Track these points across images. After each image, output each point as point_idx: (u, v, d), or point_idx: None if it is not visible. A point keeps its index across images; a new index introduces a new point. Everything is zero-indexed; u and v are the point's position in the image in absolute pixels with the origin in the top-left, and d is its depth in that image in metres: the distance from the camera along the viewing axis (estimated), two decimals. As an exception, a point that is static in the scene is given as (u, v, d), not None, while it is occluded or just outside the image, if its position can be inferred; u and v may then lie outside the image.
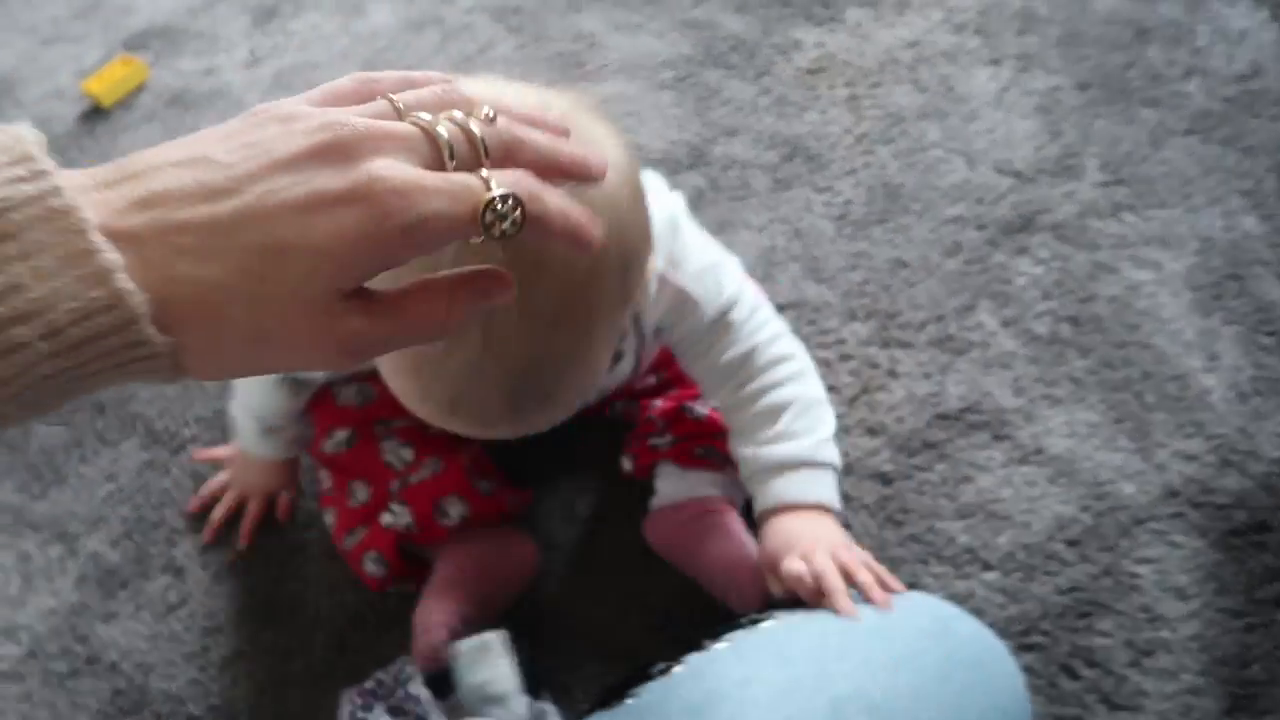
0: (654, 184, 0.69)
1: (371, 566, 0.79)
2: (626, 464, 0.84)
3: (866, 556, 0.67)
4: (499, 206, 0.34)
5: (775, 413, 0.71)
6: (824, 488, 0.71)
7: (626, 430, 0.85)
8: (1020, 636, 0.80)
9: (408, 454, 0.80)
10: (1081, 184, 1.08)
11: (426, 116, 0.35)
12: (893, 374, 0.95)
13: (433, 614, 0.76)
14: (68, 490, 0.93)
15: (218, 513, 0.88)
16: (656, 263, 0.63)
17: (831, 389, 0.94)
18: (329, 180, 0.33)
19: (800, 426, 0.71)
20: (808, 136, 1.16)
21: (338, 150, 0.33)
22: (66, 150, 1.20)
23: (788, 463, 0.70)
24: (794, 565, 0.64)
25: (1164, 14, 1.21)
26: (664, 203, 0.68)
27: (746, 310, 0.72)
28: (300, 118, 0.34)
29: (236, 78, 1.30)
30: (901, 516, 0.86)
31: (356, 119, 0.34)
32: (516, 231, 0.34)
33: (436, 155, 0.35)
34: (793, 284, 1.02)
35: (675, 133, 1.16)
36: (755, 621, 0.61)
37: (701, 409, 0.80)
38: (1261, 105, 1.12)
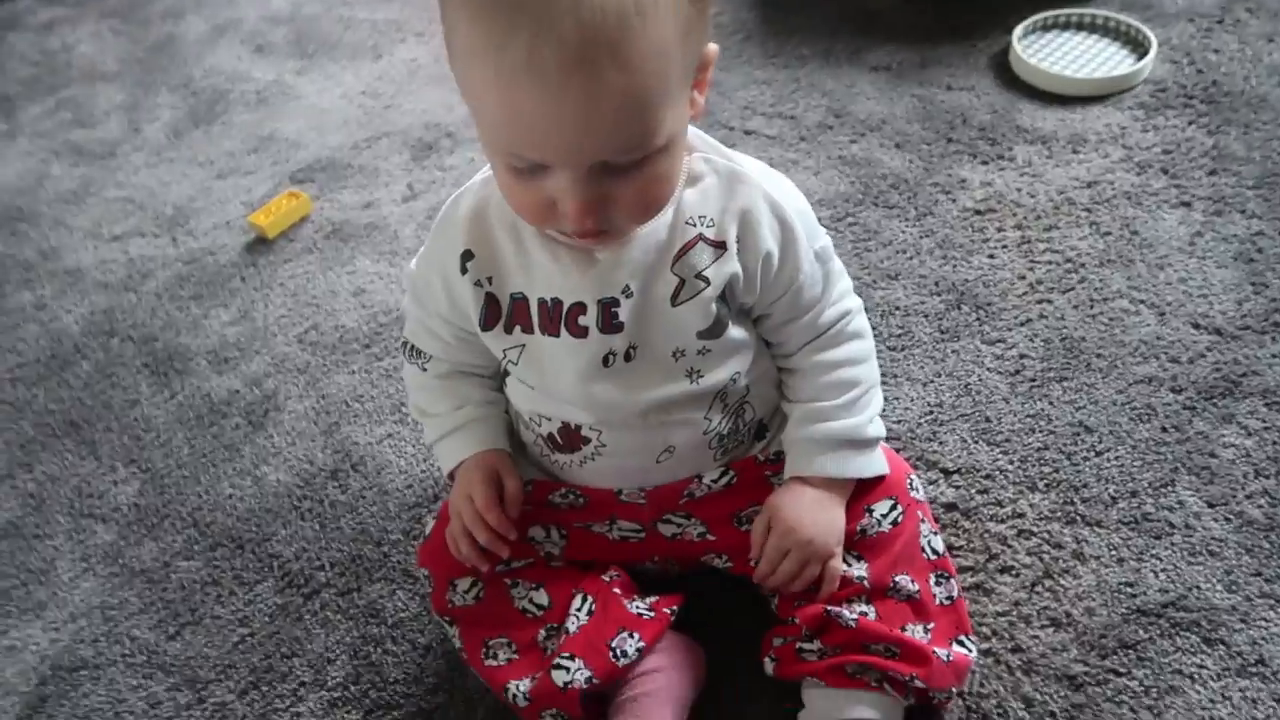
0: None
1: None
2: (769, 666, 0.75)
3: (835, 572, 0.73)
4: None
5: (846, 387, 0.75)
6: (862, 462, 0.75)
7: (768, 624, 0.77)
8: None
9: (541, 597, 0.75)
10: (1294, 344, 0.97)
11: None
12: (1079, 557, 0.84)
13: None
14: (201, 632, 0.91)
15: (465, 550, 0.75)
16: (769, 190, 0.68)
17: (1007, 570, 0.84)
18: None
19: (863, 403, 0.75)
20: (976, 282, 1.08)
21: None
22: (230, 279, 1.24)
23: (843, 438, 0.74)
24: (772, 554, 0.73)
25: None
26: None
27: (839, 267, 0.75)
28: None
29: (394, 211, 1.32)
30: (1095, 730, 0.75)
31: None
32: None
33: None
34: (962, 446, 0.93)
35: (832, 276, 1.11)
36: None
37: (850, 615, 0.71)
38: None
